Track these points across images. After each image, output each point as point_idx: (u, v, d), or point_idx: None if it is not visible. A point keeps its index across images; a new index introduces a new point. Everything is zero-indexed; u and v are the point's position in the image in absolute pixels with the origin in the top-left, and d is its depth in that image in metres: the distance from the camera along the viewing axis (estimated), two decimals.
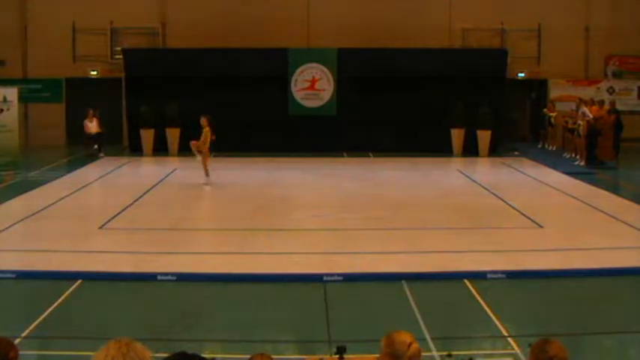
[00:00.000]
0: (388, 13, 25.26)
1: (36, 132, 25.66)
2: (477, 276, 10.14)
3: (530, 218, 13.85)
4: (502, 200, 15.76)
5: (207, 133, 17.16)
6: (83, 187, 17.74)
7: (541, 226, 13.22)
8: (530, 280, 10.30)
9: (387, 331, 4.35)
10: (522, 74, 26.08)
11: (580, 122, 21.43)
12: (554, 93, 26.30)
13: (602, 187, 17.49)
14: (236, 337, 8.27)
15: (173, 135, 23.63)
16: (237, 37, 24.48)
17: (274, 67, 23.80)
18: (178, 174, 19.93)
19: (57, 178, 18.71)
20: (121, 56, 24.73)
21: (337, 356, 5.04)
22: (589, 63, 26.44)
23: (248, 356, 4.06)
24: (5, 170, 19.04)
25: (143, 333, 7.81)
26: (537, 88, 26.87)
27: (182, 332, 8.28)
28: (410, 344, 4.07)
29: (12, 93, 19.75)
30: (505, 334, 8.19)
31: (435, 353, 7.46)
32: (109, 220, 13.59)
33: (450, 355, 5.73)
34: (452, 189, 17.79)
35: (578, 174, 19.30)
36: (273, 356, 4.15)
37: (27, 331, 8.10)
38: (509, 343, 7.95)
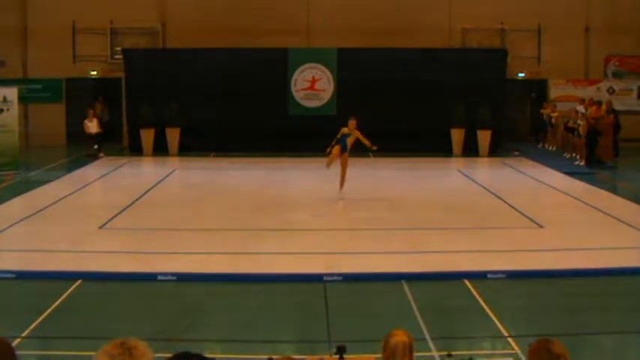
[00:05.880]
0: (388, 13, 25.24)
1: (36, 132, 25.66)
2: (476, 276, 10.15)
3: (530, 218, 13.85)
4: (502, 200, 15.76)
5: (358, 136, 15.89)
6: (83, 187, 17.74)
7: (541, 226, 13.22)
8: (530, 280, 10.32)
9: (387, 331, 4.38)
10: (522, 74, 26.09)
11: (580, 122, 21.43)
12: (554, 93, 26.30)
13: (602, 187, 17.49)
14: (236, 337, 8.26)
15: (173, 135, 23.63)
16: (237, 37, 24.46)
17: (274, 67, 23.81)
18: (178, 174, 19.94)
19: (57, 178, 18.72)
20: (121, 56, 24.76)
21: (337, 356, 5.04)
22: (589, 63, 26.43)
23: (248, 356, 4.06)
24: (5, 170, 19.03)
25: (143, 333, 7.79)
26: (537, 88, 26.86)
27: (182, 332, 8.28)
28: (393, 335, 4.22)
29: (12, 93, 19.66)
30: (505, 334, 8.19)
31: (435, 353, 7.46)
32: (109, 220, 13.59)
33: (450, 355, 5.74)
34: (452, 189, 17.77)
35: (578, 174, 19.28)
36: (273, 356, 4.15)
37: (27, 331, 8.11)
38: (509, 343, 7.96)
